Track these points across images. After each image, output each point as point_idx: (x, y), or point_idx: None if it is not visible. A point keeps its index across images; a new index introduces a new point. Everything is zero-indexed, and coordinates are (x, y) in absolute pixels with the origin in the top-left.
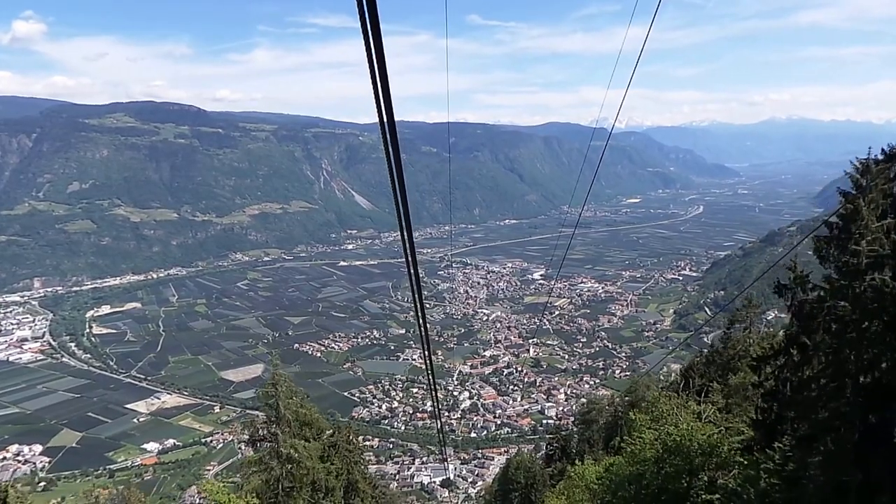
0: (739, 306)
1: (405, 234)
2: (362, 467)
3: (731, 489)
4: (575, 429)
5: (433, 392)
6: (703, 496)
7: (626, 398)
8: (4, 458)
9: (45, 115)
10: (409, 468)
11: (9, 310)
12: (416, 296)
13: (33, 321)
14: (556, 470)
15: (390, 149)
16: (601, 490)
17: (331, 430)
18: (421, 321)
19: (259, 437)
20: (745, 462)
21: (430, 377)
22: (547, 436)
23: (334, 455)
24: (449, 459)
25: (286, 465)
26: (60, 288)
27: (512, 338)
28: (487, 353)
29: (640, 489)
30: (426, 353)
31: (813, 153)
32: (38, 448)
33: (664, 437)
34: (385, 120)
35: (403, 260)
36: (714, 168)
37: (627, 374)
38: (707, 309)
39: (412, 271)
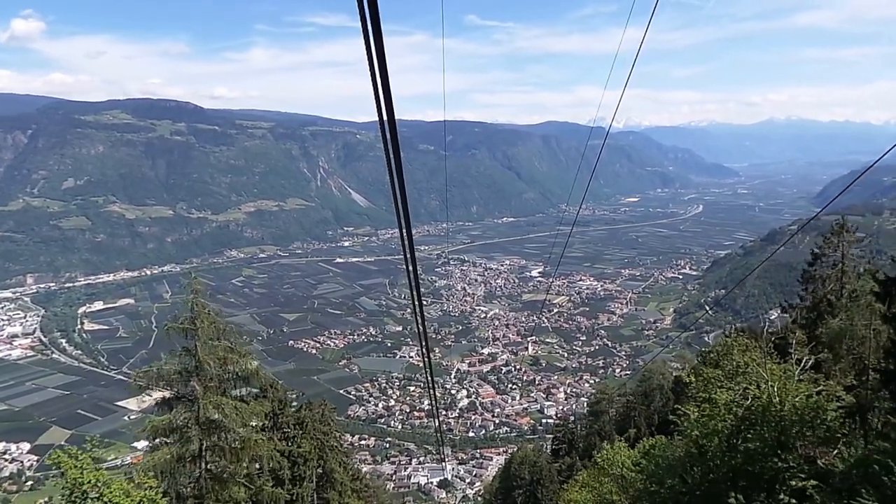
0: (828, 232)
1: (404, 231)
2: (340, 454)
3: (841, 472)
4: (583, 421)
5: (431, 391)
6: (796, 482)
7: (640, 387)
8: None
9: (42, 112)
10: (405, 468)
11: (0, 306)
12: (415, 293)
13: (24, 317)
14: (565, 465)
15: (390, 147)
16: (640, 479)
17: (299, 404)
18: (419, 318)
19: (173, 394)
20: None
21: (429, 375)
22: (553, 428)
23: (301, 436)
24: (447, 459)
25: (210, 436)
26: (53, 284)
27: (510, 335)
28: (485, 351)
29: (705, 473)
30: (424, 350)
31: (812, 153)
32: (25, 446)
33: (745, 397)
34: (385, 118)
35: (401, 257)
36: (713, 168)
37: (628, 372)
38: (708, 308)
39: (411, 268)
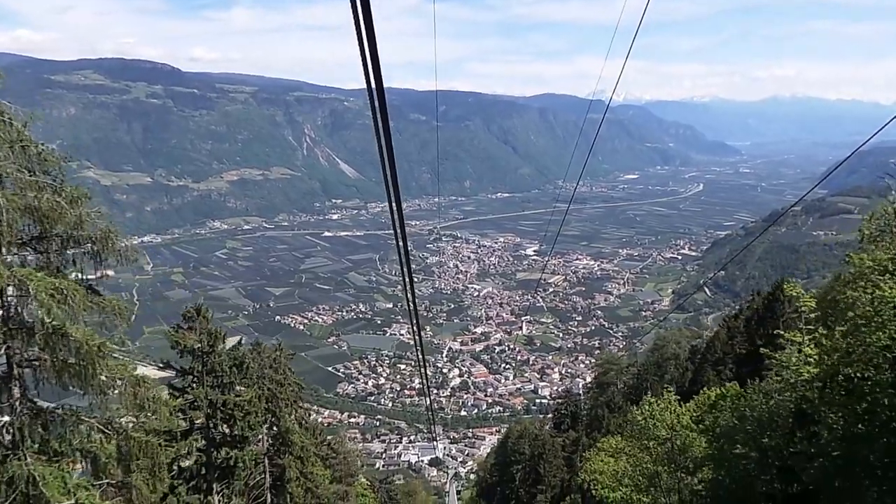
0: None
1: (394, 206)
2: (298, 409)
3: None
4: (587, 394)
5: (422, 369)
6: None
7: (652, 356)
8: None
9: (7, 70)
10: (396, 447)
11: None
12: (405, 269)
13: None
14: (569, 439)
15: (378, 114)
16: (704, 441)
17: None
18: (410, 296)
19: None
20: None
21: (420, 354)
22: (556, 401)
23: (240, 383)
24: (438, 438)
25: (23, 336)
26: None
27: (504, 315)
28: (478, 330)
29: (855, 420)
30: (415, 328)
31: (817, 133)
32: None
33: None
34: (374, 85)
35: (391, 232)
36: (715, 145)
37: (624, 354)
38: (707, 289)
39: (401, 244)
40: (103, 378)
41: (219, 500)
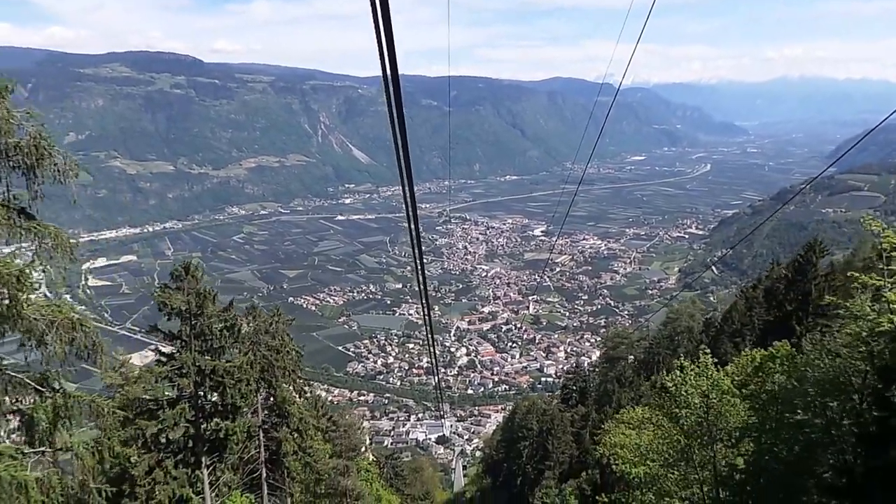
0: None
1: (406, 188)
2: (297, 378)
3: None
4: (596, 369)
5: (431, 348)
6: None
7: (664, 330)
8: None
9: (41, 66)
10: (404, 424)
11: None
12: (416, 251)
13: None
14: (579, 414)
15: (393, 101)
16: (748, 408)
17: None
18: (420, 277)
19: None
20: None
21: (429, 333)
22: (564, 375)
23: (231, 347)
24: (445, 416)
25: None
26: None
27: (511, 294)
28: (486, 310)
29: None
30: (425, 308)
31: (826, 112)
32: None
33: None
34: (388, 73)
35: (402, 215)
36: (722, 126)
37: (635, 329)
38: (714, 268)
39: (412, 226)
40: (32, 317)
41: (209, 475)
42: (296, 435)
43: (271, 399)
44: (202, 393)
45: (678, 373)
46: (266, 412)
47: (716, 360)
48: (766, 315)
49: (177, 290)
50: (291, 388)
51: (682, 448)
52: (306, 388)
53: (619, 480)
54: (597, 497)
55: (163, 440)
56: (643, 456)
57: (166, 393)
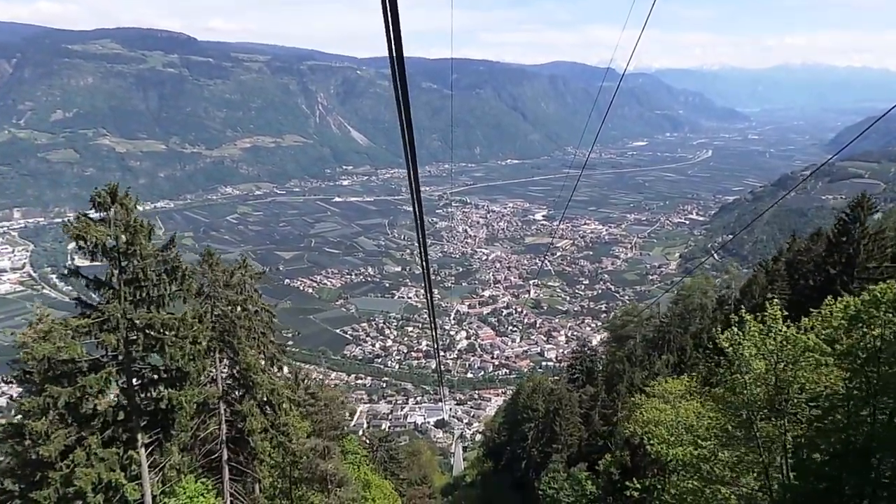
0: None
1: (411, 172)
2: (269, 343)
3: None
4: (603, 348)
5: (433, 331)
6: None
7: (675, 307)
8: None
9: (28, 41)
10: (402, 408)
11: None
12: (420, 234)
13: (13, 252)
14: (587, 394)
15: (398, 83)
16: (853, 368)
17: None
18: (423, 260)
19: None
20: None
21: (431, 317)
22: (571, 356)
23: (176, 294)
24: (444, 400)
25: None
26: (42, 219)
27: (512, 278)
28: (486, 293)
29: None
30: (428, 292)
31: (827, 100)
32: None
33: None
34: (394, 54)
35: (400, 197)
36: (724, 112)
37: (646, 307)
38: (715, 254)
39: (417, 210)
40: None
41: (148, 455)
42: (266, 409)
43: (237, 367)
44: (135, 354)
45: (736, 330)
46: (229, 381)
47: (787, 314)
48: (785, 291)
49: (101, 221)
50: (260, 353)
51: (741, 423)
52: (280, 356)
53: (653, 463)
54: (626, 483)
55: (85, 412)
56: (684, 434)
57: (88, 353)
